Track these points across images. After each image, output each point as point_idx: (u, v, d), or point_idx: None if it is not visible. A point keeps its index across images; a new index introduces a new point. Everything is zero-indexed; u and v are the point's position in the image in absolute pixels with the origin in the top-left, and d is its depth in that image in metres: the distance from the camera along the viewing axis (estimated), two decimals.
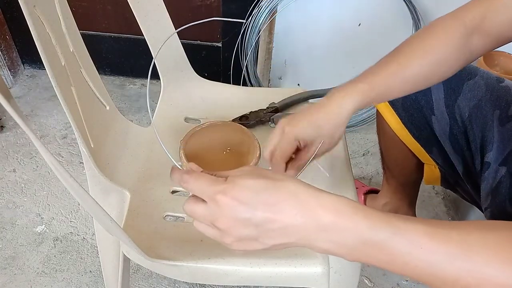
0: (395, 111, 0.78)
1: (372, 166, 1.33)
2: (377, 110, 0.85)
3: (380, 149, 0.96)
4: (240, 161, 0.70)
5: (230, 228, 0.40)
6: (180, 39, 0.87)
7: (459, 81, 0.70)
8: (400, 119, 0.78)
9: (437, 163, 0.81)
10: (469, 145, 0.70)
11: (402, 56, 0.62)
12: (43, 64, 0.51)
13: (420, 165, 0.86)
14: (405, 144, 0.81)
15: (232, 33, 1.41)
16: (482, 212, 0.67)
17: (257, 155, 0.72)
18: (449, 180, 0.82)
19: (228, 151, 0.79)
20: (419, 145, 0.79)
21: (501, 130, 0.65)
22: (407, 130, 0.78)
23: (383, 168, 1.01)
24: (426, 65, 0.62)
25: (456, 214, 1.20)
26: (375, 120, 0.93)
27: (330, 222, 0.38)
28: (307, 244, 0.40)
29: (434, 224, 0.38)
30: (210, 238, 0.43)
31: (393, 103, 0.77)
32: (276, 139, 0.60)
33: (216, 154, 0.79)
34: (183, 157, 0.71)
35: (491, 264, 0.36)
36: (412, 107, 0.75)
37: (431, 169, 0.84)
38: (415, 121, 0.76)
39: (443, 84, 0.71)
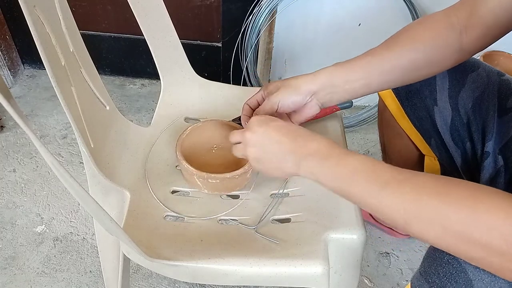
0: (398, 100, 0.78)
1: None
2: (379, 101, 0.85)
3: (382, 144, 0.96)
4: (234, 159, 0.70)
5: (255, 132, 0.59)
6: (180, 39, 0.87)
7: (463, 73, 0.71)
8: (403, 109, 0.78)
9: (436, 155, 0.81)
10: (471, 136, 0.71)
11: (385, 44, 0.66)
12: (43, 64, 0.51)
13: (422, 158, 0.86)
14: (407, 135, 0.82)
15: (232, 33, 1.41)
16: None
17: None
18: (448, 173, 0.82)
19: (219, 148, 0.80)
20: (419, 135, 0.79)
21: (498, 122, 0.66)
22: (408, 119, 0.79)
23: None
24: (411, 51, 0.64)
25: None
26: (375, 119, 0.93)
27: (314, 149, 0.54)
28: (296, 156, 0.55)
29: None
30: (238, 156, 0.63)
31: (397, 92, 0.78)
32: (258, 100, 0.73)
33: (211, 151, 0.80)
34: (179, 155, 0.71)
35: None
36: (415, 97, 0.75)
37: (431, 161, 0.84)
38: (417, 111, 0.76)
39: (448, 74, 0.71)
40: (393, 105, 0.80)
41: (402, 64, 0.65)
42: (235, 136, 0.63)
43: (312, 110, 0.68)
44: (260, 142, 0.58)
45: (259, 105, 0.72)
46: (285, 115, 0.72)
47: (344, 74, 0.66)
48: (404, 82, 0.69)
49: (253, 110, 0.73)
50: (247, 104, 0.73)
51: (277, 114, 0.70)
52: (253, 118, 0.60)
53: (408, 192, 0.44)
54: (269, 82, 0.71)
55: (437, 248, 0.48)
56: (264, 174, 0.60)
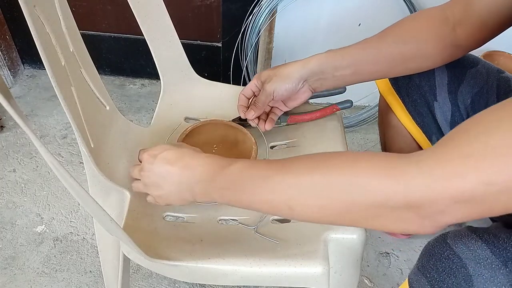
0: (399, 96, 0.79)
1: None
2: (380, 99, 0.85)
3: (383, 143, 0.96)
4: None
5: (147, 170, 0.59)
6: (180, 39, 0.87)
7: (462, 69, 0.71)
8: (404, 105, 0.78)
9: None
10: None
11: (378, 35, 0.68)
12: (43, 64, 0.51)
13: None
14: (409, 133, 0.82)
15: (232, 33, 1.41)
16: None
17: (253, 154, 0.73)
18: None
19: (219, 148, 0.80)
20: (422, 132, 0.79)
21: None
22: (410, 116, 0.79)
23: None
24: (401, 42, 0.66)
25: None
26: (375, 119, 0.92)
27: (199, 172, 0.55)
28: (187, 181, 0.56)
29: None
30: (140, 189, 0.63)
31: (398, 88, 0.78)
32: (252, 90, 0.75)
33: (211, 151, 0.79)
34: None
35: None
36: (416, 92, 0.75)
37: None
38: (418, 107, 0.77)
39: (447, 70, 0.72)
40: (394, 101, 0.81)
41: (392, 55, 0.67)
42: (135, 172, 0.63)
43: (304, 95, 0.73)
44: (156, 179, 0.59)
45: (254, 93, 0.76)
46: (280, 102, 0.77)
47: (333, 61, 0.68)
48: (394, 73, 0.72)
49: (248, 99, 0.77)
50: (243, 94, 0.77)
51: (273, 101, 0.75)
52: (144, 155, 0.60)
53: (289, 177, 0.46)
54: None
55: (436, 244, 0.48)
56: (175, 205, 0.61)
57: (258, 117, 0.78)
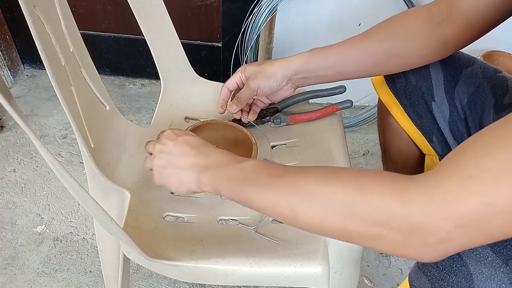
0: (397, 99, 0.79)
1: (372, 166, 1.33)
2: (379, 100, 0.85)
3: (382, 144, 0.96)
4: None
5: (164, 143, 0.58)
6: (180, 39, 0.87)
7: (457, 68, 0.71)
8: (403, 107, 0.78)
9: (438, 153, 0.81)
10: (469, 131, 0.71)
11: (362, 34, 0.69)
12: (43, 64, 0.51)
13: (422, 158, 0.86)
14: (408, 134, 0.82)
15: (232, 33, 1.41)
16: None
17: (254, 154, 0.73)
18: None
19: (219, 148, 0.80)
20: (420, 134, 0.79)
21: (495, 118, 0.66)
22: (408, 118, 0.79)
23: (385, 165, 1.01)
24: (384, 40, 0.66)
25: None
26: (375, 119, 0.92)
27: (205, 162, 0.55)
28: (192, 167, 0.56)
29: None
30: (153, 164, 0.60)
31: (395, 90, 0.78)
32: (237, 82, 0.77)
33: None
34: None
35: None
36: (413, 94, 0.75)
37: (432, 161, 0.84)
38: (417, 108, 0.76)
39: (442, 69, 0.72)
40: (392, 104, 0.80)
41: (376, 52, 0.67)
42: (148, 146, 0.62)
43: (287, 92, 0.76)
44: (167, 154, 0.57)
45: (238, 86, 0.78)
46: (263, 96, 0.79)
47: (317, 61, 0.70)
48: (380, 71, 0.72)
49: (230, 93, 0.79)
50: (226, 87, 0.78)
51: (256, 97, 0.77)
52: (167, 131, 0.60)
53: (297, 182, 0.46)
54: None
55: None
56: (167, 188, 0.59)
57: (241, 110, 0.80)
